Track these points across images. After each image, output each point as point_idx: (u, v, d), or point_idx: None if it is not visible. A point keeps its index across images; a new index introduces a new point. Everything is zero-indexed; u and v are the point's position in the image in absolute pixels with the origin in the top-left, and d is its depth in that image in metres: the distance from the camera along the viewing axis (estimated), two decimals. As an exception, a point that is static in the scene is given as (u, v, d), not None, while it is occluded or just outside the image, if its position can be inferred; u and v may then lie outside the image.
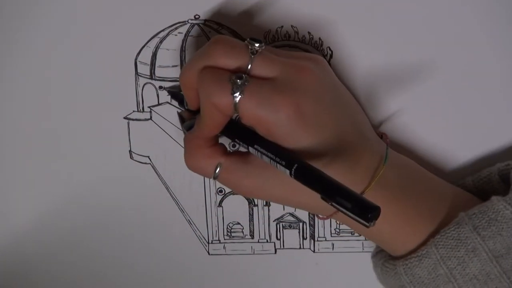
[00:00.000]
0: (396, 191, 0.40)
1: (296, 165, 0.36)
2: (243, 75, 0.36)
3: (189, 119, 0.42)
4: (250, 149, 0.39)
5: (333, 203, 0.34)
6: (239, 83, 0.36)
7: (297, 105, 0.36)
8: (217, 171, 0.40)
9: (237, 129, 0.39)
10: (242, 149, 0.40)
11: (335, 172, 0.36)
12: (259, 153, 0.38)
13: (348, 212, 0.33)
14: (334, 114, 0.38)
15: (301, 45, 0.44)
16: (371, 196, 0.35)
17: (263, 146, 0.38)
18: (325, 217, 0.41)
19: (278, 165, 0.37)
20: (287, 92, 0.36)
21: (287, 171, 0.36)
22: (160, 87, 0.45)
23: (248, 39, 0.37)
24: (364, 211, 0.33)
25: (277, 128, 0.36)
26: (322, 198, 0.35)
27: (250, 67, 0.37)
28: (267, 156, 0.37)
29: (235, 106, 0.36)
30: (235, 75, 0.36)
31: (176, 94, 0.44)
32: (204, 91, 0.37)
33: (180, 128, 0.44)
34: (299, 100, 0.36)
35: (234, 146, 0.46)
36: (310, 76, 0.37)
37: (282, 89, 0.36)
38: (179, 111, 0.44)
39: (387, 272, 0.42)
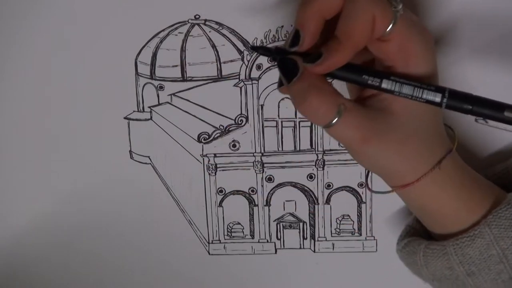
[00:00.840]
0: (460, 171, 0.39)
1: (448, 89, 0.35)
2: None
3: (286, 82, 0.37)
4: (385, 83, 0.36)
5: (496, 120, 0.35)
6: (398, 1, 0.35)
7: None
8: (340, 111, 0.35)
9: (361, 68, 0.36)
10: None
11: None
12: (397, 84, 0.35)
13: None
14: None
15: (301, 45, 0.43)
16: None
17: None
18: (411, 182, 0.38)
19: (424, 91, 0.35)
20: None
21: (439, 96, 0.35)
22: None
23: None
24: None
25: (424, 49, 0.36)
26: (476, 120, 0.36)
27: None
28: (410, 84, 0.35)
29: (395, 21, 0.35)
30: None
31: (267, 49, 0.38)
32: (366, 2, 0.34)
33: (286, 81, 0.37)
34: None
35: (234, 146, 0.46)
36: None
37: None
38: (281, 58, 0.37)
39: (434, 253, 0.40)
